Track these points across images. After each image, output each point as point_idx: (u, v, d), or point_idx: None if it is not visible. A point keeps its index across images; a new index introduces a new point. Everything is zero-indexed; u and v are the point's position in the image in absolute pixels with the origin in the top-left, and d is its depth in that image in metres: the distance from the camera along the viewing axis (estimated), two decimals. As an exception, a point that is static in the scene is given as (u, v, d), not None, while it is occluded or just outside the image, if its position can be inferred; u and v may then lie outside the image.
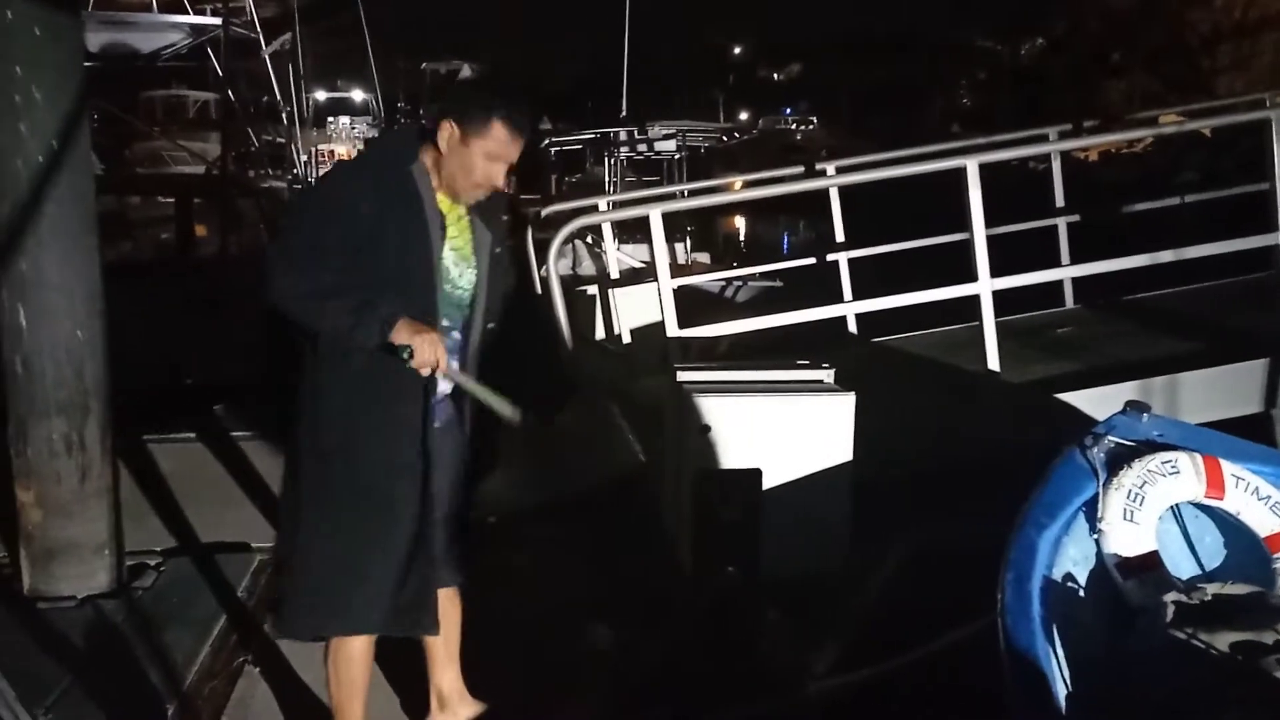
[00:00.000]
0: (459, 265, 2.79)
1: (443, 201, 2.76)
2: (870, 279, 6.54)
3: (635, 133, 15.66)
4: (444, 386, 2.80)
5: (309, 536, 2.75)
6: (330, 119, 37.98)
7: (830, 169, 6.26)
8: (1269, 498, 3.00)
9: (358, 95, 41.53)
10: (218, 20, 11.16)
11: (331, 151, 36.31)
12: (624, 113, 19.40)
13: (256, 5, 12.95)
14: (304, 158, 14.83)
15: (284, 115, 13.84)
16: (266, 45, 12.82)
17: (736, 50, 66.24)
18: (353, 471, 2.69)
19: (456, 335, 2.80)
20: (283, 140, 14.01)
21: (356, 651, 2.85)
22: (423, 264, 2.67)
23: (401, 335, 2.56)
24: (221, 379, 7.12)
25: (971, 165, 4.66)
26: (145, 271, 7.96)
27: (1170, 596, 2.66)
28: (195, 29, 11.40)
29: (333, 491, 2.72)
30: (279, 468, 5.33)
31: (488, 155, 2.70)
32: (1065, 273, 6.19)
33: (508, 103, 2.72)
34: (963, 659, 3.20)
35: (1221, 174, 10.89)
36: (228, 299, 7.53)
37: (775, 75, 64.88)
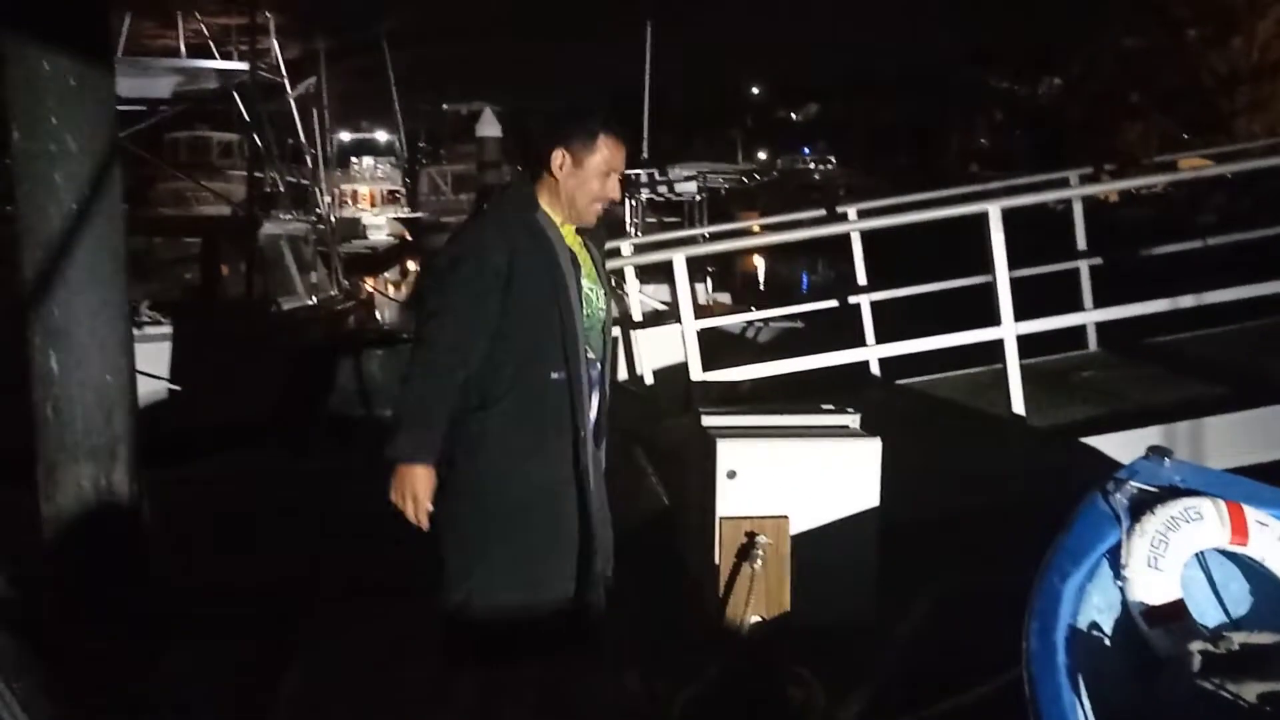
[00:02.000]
0: (596, 289, 2.97)
1: (568, 234, 2.93)
2: (892, 319, 6.57)
3: (656, 174, 15.75)
4: (593, 414, 2.93)
5: (487, 572, 2.82)
6: (354, 159, 38.40)
7: (851, 213, 6.30)
8: (1295, 545, 2.99)
9: (381, 136, 41.99)
10: (245, 65, 11.36)
11: (355, 192, 36.67)
12: (645, 154, 19.54)
13: (281, 48, 13.17)
14: (328, 199, 15.02)
15: (308, 157, 14.05)
16: (292, 88, 13.02)
17: (755, 91, 66.70)
18: (520, 497, 2.81)
19: (600, 366, 2.96)
20: (307, 182, 14.20)
21: None
22: (564, 305, 2.80)
23: (393, 488, 2.75)
24: (241, 419, 7.18)
25: (994, 210, 4.69)
26: (169, 312, 8.06)
27: (1196, 646, 2.65)
28: (223, 74, 11.61)
29: (504, 522, 2.81)
30: (305, 506, 5.43)
31: (601, 170, 2.88)
32: (1088, 317, 6.20)
33: (605, 115, 2.94)
34: (990, 711, 3.19)
35: (1241, 215, 10.84)
36: (252, 340, 7.61)
37: (793, 115, 65.25)
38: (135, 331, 7.40)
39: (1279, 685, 2.48)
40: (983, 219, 4.73)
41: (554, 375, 2.78)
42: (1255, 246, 7.32)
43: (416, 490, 2.73)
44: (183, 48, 12.06)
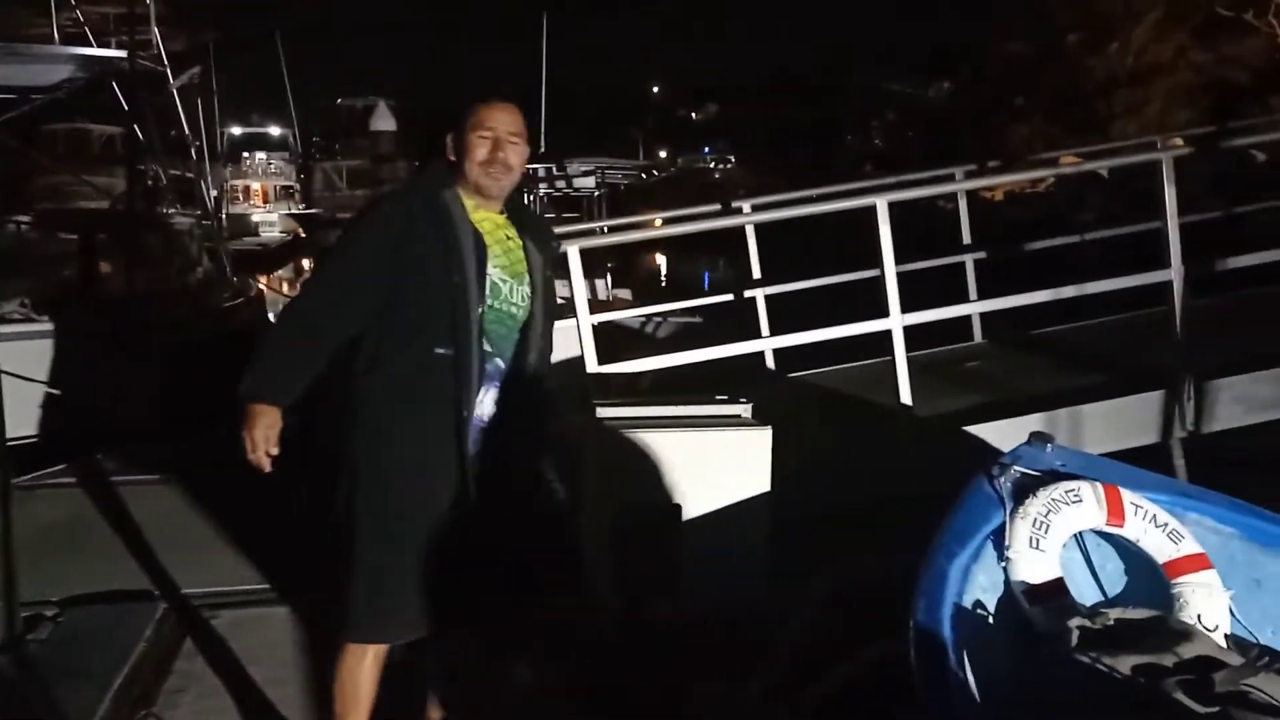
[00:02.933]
0: (509, 282, 2.86)
1: (485, 221, 2.87)
2: (789, 315, 6.64)
3: (554, 169, 15.69)
4: (487, 406, 2.82)
5: (363, 547, 2.78)
6: (245, 154, 37.36)
7: (746, 207, 6.36)
8: (1166, 525, 3.10)
9: (274, 130, 40.97)
10: (123, 53, 10.94)
11: (247, 187, 35.71)
12: (543, 149, 19.41)
13: (165, 38, 12.71)
14: (215, 194, 14.54)
15: (193, 150, 13.56)
16: (175, 78, 12.57)
17: (655, 89, 67.04)
18: (390, 468, 2.76)
19: (500, 362, 2.84)
20: (192, 175, 13.74)
21: (369, 661, 2.85)
22: (459, 286, 2.73)
23: (244, 421, 2.71)
24: (121, 421, 6.92)
25: (881, 203, 4.77)
26: (46, 310, 7.72)
27: (1075, 622, 2.73)
28: (100, 61, 11.15)
29: (377, 501, 2.77)
30: (182, 513, 5.25)
31: (480, 133, 2.83)
32: (973, 308, 6.36)
33: (485, 90, 2.94)
34: (878, 688, 3.24)
35: (1117, 213, 11.25)
36: (132, 338, 7.34)
37: (693, 115, 65.77)
38: (9, 330, 7.13)
39: (1151, 658, 2.56)
40: (872, 213, 4.80)
41: (439, 350, 2.72)
42: (1129, 242, 7.60)
43: (255, 430, 2.69)
44: (56, 35, 11.55)
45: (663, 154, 51.42)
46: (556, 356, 3.16)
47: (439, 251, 2.75)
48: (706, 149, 51.28)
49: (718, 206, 6.83)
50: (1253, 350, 5.62)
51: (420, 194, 2.86)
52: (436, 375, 2.73)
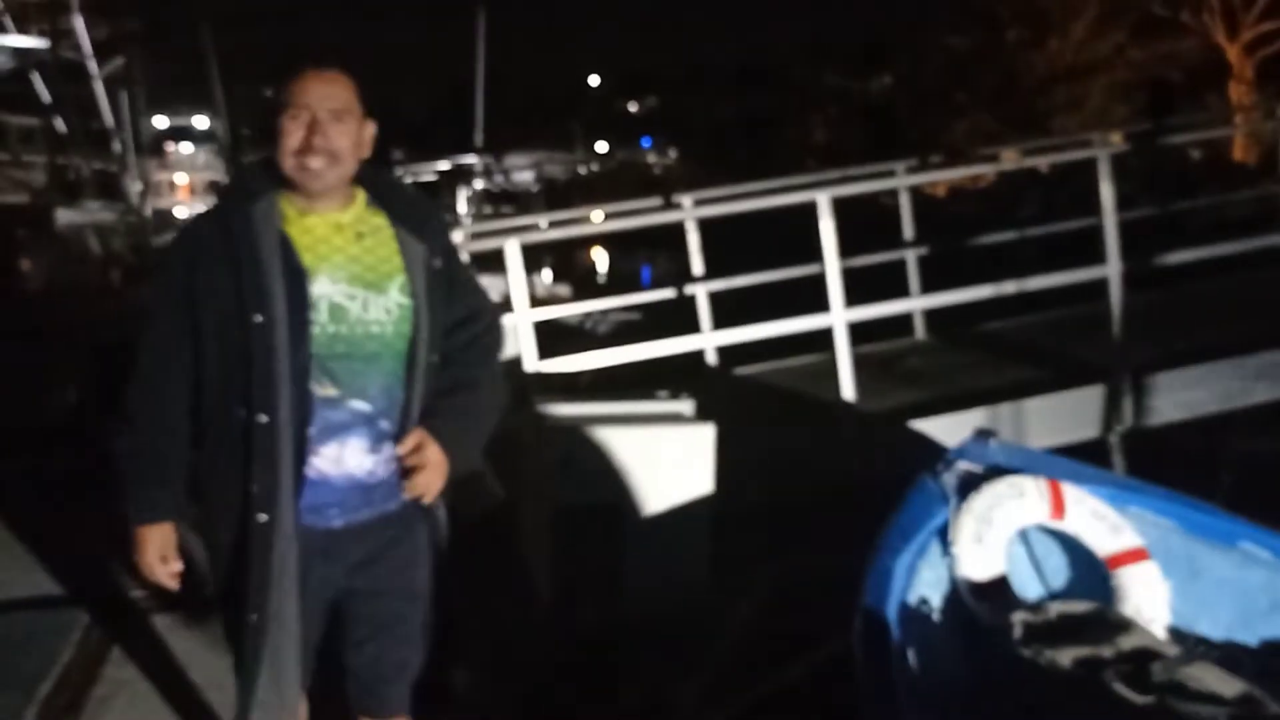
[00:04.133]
0: (362, 297, 2.16)
1: (319, 225, 2.19)
2: (733, 310, 6.61)
3: (492, 163, 15.52)
4: (339, 469, 2.18)
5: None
6: (171, 146, 36.45)
7: (687, 202, 6.31)
8: (1106, 519, 3.11)
9: (202, 122, 40.09)
10: (44, 43, 10.60)
11: (172, 181, 34.90)
12: (479, 143, 19.17)
13: (89, 26, 12.32)
14: (139, 187, 14.13)
15: (117, 143, 13.17)
16: (98, 69, 12.18)
17: (594, 82, 66.82)
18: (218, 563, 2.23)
19: (360, 405, 2.16)
20: (115, 169, 13.34)
21: None
22: (260, 323, 2.08)
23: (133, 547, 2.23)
24: (42, 421, 6.69)
25: (822, 198, 4.75)
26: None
27: (1018, 617, 2.72)
28: (20, 52, 10.79)
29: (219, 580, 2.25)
30: (110, 516, 5.06)
31: (288, 114, 2.15)
32: (915, 304, 6.37)
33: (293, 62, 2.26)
34: (823, 685, 3.22)
35: (1058, 208, 11.38)
36: (50, 335, 7.11)
37: (633, 108, 65.72)
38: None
39: (1092, 649, 2.56)
40: (813, 208, 4.78)
41: (240, 413, 2.10)
42: (1068, 237, 7.68)
43: (146, 556, 2.22)
44: (-27, 23, 11.18)
45: (603, 147, 51.29)
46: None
47: (230, 287, 2.10)
48: (647, 142, 51.26)
49: (659, 201, 6.77)
50: (1190, 345, 5.70)
51: (217, 212, 2.25)
52: (247, 447, 2.10)
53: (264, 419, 2.07)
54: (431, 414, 2.19)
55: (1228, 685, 2.51)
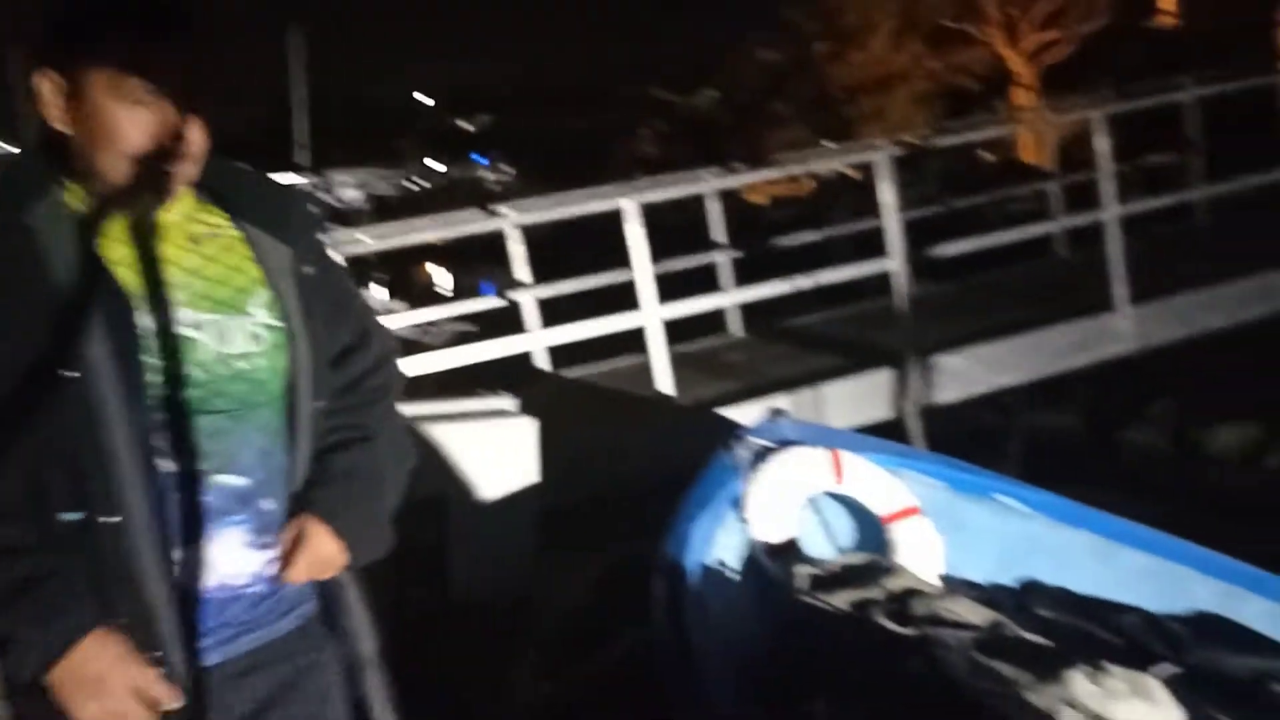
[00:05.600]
0: (213, 324, 1.50)
1: (125, 232, 1.47)
2: (567, 318, 6.86)
3: (318, 183, 15.33)
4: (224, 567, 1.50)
5: None
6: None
7: (506, 211, 6.54)
8: (882, 482, 3.50)
9: None
10: None
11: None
12: (301, 160, 18.79)
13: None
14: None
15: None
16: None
17: (421, 98, 66.09)
18: None
19: (231, 481, 1.49)
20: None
21: None
22: (79, 379, 1.39)
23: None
24: None
25: (627, 203, 5.05)
26: None
27: (804, 569, 3.06)
28: None
29: None
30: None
31: (122, 100, 1.43)
32: (722, 300, 6.74)
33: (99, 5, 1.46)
34: (640, 662, 3.47)
35: (867, 211, 12.05)
36: None
37: (466, 124, 65.38)
38: None
39: (865, 594, 2.91)
40: (620, 214, 5.09)
41: (69, 518, 1.40)
42: (876, 236, 8.23)
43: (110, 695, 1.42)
44: None
45: (434, 164, 50.91)
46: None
47: (15, 332, 1.40)
48: (481, 158, 51.08)
49: (480, 212, 6.98)
50: (972, 329, 6.28)
51: None
52: (87, 574, 1.41)
53: (112, 520, 1.39)
54: (314, 484, 1.56)
55: (979, 615, 2.90)
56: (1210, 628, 2.89)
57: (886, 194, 5.46)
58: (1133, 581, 3.11)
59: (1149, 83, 8.10)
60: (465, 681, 3.53)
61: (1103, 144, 6.46)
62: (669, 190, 5.79)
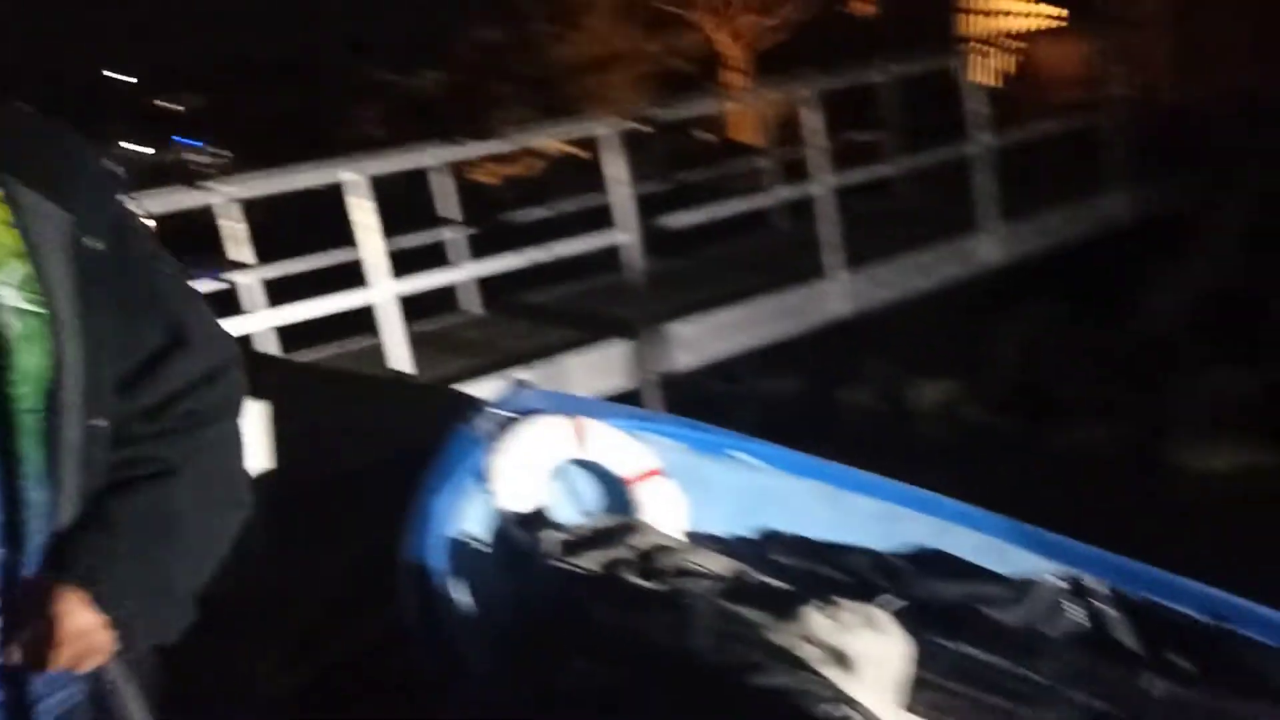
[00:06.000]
0: None
1: None
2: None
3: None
4: None
5: None
6: None
7: (222, 186, 6.17)
8: (624, 446, 3.55)
9: None
10: None
11: None
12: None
13: None
14: None
15: None
16: None
17: (119, 76, 61.34)
18: None
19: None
20: None
21: None
22: None
23: None
24: None
25: (351, 175, 4.87)
26: None
27: (553, 535, 3.06)
28: None
29: None
30: None
31: None
32: (458, 274, 6.66)
33: None
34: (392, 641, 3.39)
35: (597, 188, 12.27)
36: None
37: (171, 104, 61.22)
38: None
39: (614, 554, 2.95)
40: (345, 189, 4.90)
41: None
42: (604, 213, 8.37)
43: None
44: None
45: (134, 148, 47.43)
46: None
47: None
48: (185, 139, 48.03)
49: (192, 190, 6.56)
50: (702, 298, 6.51)
51: None
52: None
53: None
54: (76, 536, 1.21)
55: (723, 565, 3.00)
56: (927, 560, 3.11)
57: (615, 168, 5.54)
58: (859, 524, 3.30)
59: (851, 66, 8.63)
60: (211, 683, 3.32)
61: (813, 120, 6.83)
62: (394, 163, 5.64)
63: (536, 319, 6.93)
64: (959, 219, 7.79)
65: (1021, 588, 2.83)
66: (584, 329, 6.20)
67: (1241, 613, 2.54)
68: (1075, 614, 2.73)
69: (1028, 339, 9.08)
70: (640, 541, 3.01)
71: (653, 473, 3.53)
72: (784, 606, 2.60)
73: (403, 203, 7.14)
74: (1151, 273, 8.76)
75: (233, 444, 1.41)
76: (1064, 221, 8.29)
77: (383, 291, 4.98)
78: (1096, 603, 2.72)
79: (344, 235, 5.43)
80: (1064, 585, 2.78)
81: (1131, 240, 8.52)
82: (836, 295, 7.00)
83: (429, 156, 6.26)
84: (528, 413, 3.52)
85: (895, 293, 7.40)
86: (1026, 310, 9.15)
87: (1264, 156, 9.03)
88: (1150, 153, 8.89)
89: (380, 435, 4.76)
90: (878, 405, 9.63)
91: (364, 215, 4.87)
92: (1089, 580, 2.77)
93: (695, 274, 7.50)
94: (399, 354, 5.12)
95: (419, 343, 5.66)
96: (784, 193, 8.19)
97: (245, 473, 1.44)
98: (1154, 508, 7.09)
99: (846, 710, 2.16)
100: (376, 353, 6.24)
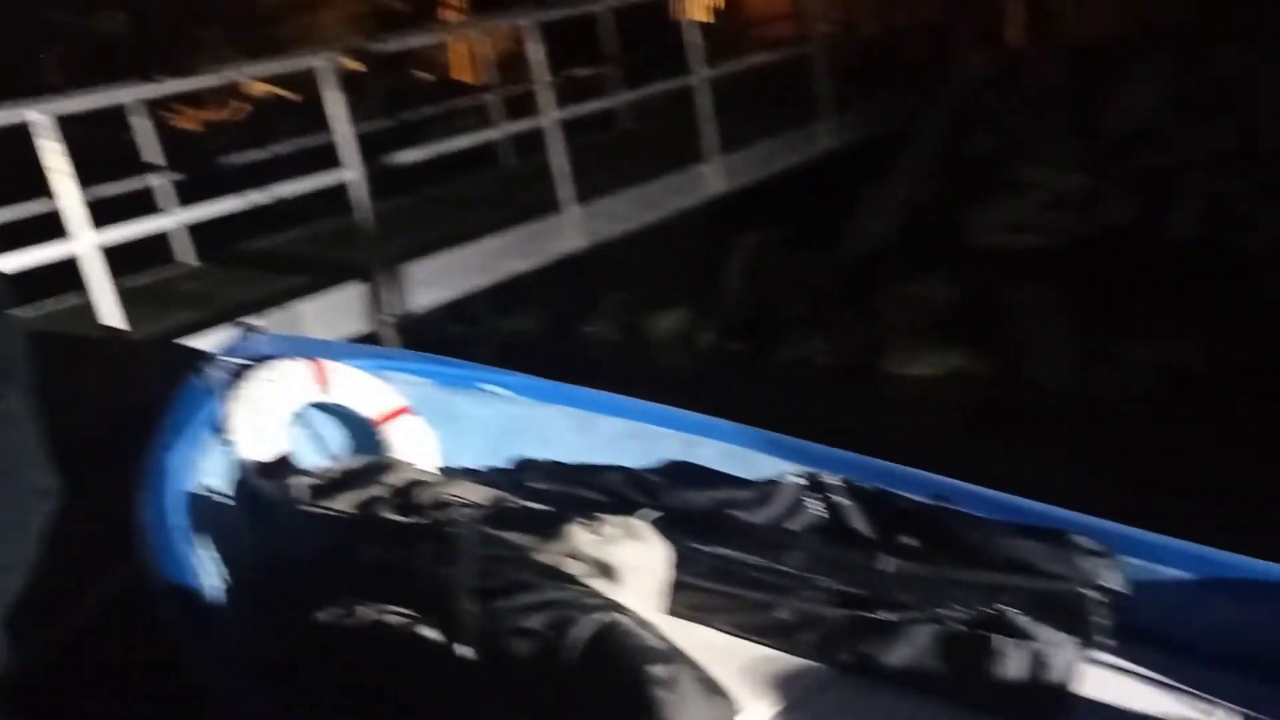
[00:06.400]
0: None
1: None
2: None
3: None
4: None
5: None
6: None
7: None
8: (368, 386, 3.47)
9: None
10: None
11: None
12: None
13: None
14: None
15: None
16: None
17: None
18: None
19: None
20: None
21: None
22: None
23: None
24: None
25: (37, 115, 4.41)
26: None
27: (300, 481, 2.95)
28: None
29: None
30: None
31: None
32: (169, 220, 6.20)
33: None
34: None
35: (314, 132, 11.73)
36: None
37: None
38: None
39: (367, 493, 2.88)
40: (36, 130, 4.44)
41: None
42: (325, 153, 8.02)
43: None
44: None
45: None
46: None
47: None
48: None
49: None
50: (436, 238, 6.39)
51: None
52: None
53: None
54: None
55: (481, 495, 2.99)
56: (678, 473, 3.22)
57: (335, 104, 5.31)
58: (611, 445, 3.38)
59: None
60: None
61: (537, 52, 6.79)
62: (85, 101, 5.14)
63: (262, 267, 6.58)
64: (683, 151, 8.00)
65: (766, 489, 2.98)
66: (314, 274, 5.93)
67: (958, 492, 2.80)
68: (815, 508, 2.91)
69: (752, 265, 9.52)
70: (394, 479, 2.96)
71: (400, 411, 3.47)
72: (547, 527, 2.63)
73: (101, 155, 6.60)
74: (860, 195, 9.36)
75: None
76: (781, 150, 8.67)
77: (84, 243, 4.56)
78: (833, 496, 2.91)
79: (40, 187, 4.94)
80: (803, 483, 2.95)
81: (842, 165, 9.05)
82: (570, 230, 7.04)
83: (124, 94, 5.74)
84: (261, 359, 3.36)
85: (627, 225, 7.53)
86: (750, 237, 9.58)
87: (953, 81, 9.80)
88: (853, 81, 9.45)
89: (103, 399, 4.42)
90: (616, 337, 9.84)
91: (55, 160, 4.42)
92: (825, 476, 2.95)
93: (427, 214, 7.35)
94: (109, 310, 4.73)
95: (132, 298, 5.26)
96: (512, 127, 8.12)
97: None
98: (875, 411, 7.66)
99: (616, 616, 2.22)
100: (77, 312, 5.77)
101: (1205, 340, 7.21)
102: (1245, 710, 2.13)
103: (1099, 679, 2.25)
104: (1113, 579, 2.43)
